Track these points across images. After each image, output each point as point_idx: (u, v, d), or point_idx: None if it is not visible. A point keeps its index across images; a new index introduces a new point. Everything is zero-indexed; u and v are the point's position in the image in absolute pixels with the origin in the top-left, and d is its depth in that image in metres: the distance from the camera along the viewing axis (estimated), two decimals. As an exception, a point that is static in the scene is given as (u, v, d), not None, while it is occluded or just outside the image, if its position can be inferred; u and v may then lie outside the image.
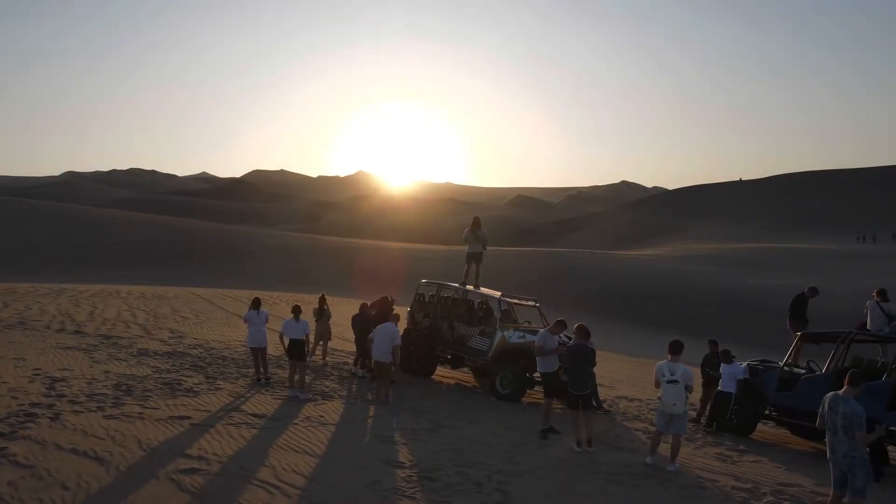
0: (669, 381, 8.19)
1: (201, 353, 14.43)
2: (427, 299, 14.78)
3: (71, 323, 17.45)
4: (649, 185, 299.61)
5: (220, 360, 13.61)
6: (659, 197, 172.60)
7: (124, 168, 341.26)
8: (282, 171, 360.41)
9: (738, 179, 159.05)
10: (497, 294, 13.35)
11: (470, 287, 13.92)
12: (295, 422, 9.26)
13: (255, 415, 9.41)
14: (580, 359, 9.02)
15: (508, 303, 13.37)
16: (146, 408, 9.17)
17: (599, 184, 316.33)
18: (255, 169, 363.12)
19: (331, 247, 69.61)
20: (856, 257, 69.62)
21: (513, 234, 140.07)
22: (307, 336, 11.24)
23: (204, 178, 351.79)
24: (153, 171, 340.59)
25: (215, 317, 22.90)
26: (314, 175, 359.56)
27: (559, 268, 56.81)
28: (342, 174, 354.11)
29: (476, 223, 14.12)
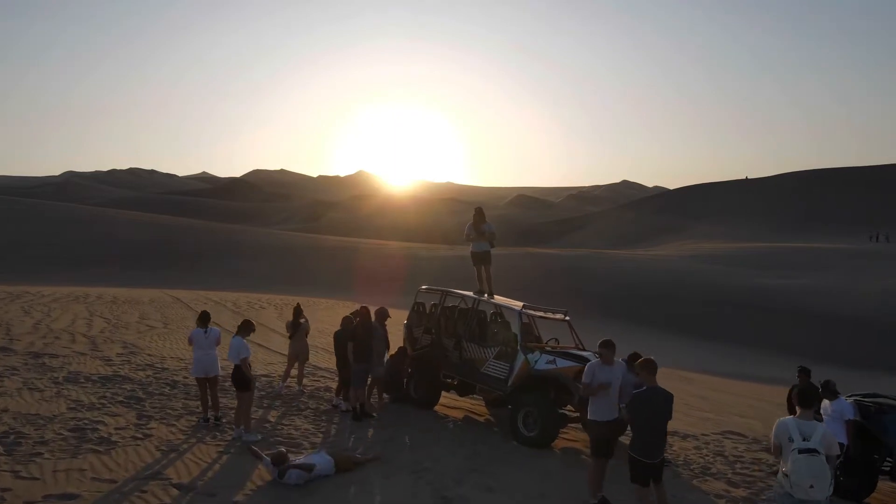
0: (804, 451, 5.29)
1: (148, 377, 11.60)
2: (428, 310, 11.94)
3: (3, 336, 14.62)
4: (650, 184, 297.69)
5: (168, 388, 10.78)
6: (661, 196, 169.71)
7: (124, 168, 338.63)
8: (282, 171, 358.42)
9: (744, 178, 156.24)
10: (517, 304, 10.52)
11: (484, 296, 11.12)
12: (236, 497, 6.42)
13: (179, 486, 6.55)
14: (651, 409, 6.16)
15: (530, 316, 10.51)
16: (19, 478, 6.33)
17: (600, 183, 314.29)
18: (255, 168, 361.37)
19: (329, 246, 67.06)
20: (869, 256, 67.45)
21: (514, 233, 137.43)
22: (245, 361, 8.39)
23: (204, 178, 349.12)
24: (153, 171, 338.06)
25: (186, 326, 20.03)
26: (314, 175, 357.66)
27: (562, 268, 54.28)
28: (342, 174, 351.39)
29: (479, 215, 11.30)
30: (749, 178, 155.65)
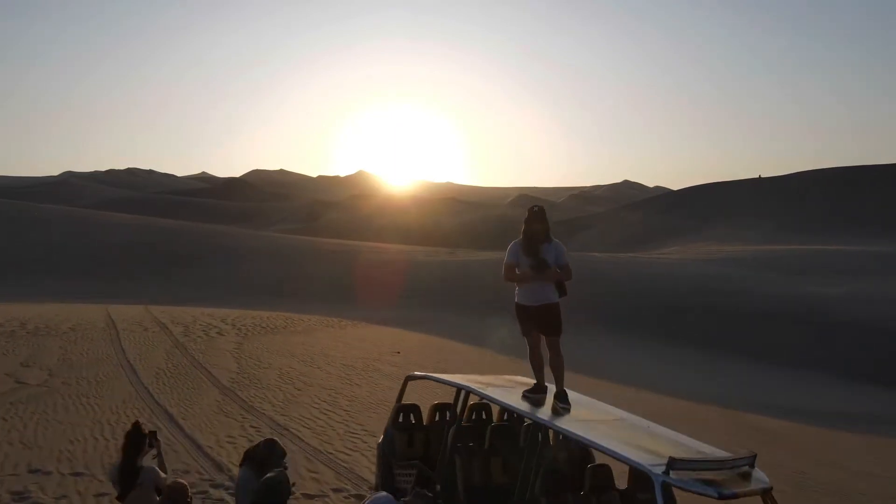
0: None
1: None
2: (426, 421, 5.78)
3: None
4: (651, 184, 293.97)
5: None
6: (668, 196, 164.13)
7: (122, 168, 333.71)
8: (281, 171, 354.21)
9: (757, 176, 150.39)
10: (652, 455, 4.31)
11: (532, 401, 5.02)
12: None
13: None
14: None
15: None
16: None
17: (601, 183, 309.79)
18: (254, 168, 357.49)
19: (325, 249, 61.38)
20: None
21: (516, 235, 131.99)
22: None
23: (203, 178, 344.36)
24: (151, 171, 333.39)
25: (84, 379, 13.90)
26: (314, 175, 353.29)
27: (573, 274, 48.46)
28: (342, 174, 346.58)
29: (535, 224, 5.42)
30: (762, 176, 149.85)
